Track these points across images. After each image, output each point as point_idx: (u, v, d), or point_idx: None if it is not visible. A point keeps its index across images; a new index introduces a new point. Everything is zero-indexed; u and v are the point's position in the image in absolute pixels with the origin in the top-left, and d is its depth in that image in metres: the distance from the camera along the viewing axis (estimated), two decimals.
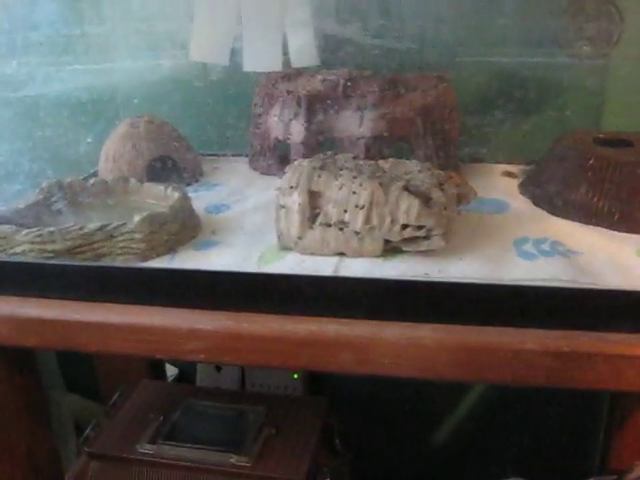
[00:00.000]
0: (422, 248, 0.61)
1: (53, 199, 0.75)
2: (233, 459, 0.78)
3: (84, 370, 1.07)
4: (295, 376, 1.15)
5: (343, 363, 0.56)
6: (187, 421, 0.86)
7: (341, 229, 0.63)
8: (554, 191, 0.73)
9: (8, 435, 0.73)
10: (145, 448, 0.81)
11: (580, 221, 0.70)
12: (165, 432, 0.83)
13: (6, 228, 0.65)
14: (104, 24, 0.99)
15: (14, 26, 0.93)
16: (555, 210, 0.72)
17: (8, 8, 0.94)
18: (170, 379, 1.23)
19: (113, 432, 0.85)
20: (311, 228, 0.64)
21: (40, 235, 0.63)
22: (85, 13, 0.98)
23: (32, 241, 0.63)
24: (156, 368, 1.14)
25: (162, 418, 0.86)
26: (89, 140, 0.90)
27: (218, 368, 1.21)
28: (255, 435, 0.82)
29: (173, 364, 1.26)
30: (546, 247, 0.64)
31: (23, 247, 0.64)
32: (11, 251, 0.64)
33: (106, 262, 0.64)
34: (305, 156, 0.76)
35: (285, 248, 0.65)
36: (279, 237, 0.65)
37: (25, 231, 0.64)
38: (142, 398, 0.93)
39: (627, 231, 0.67)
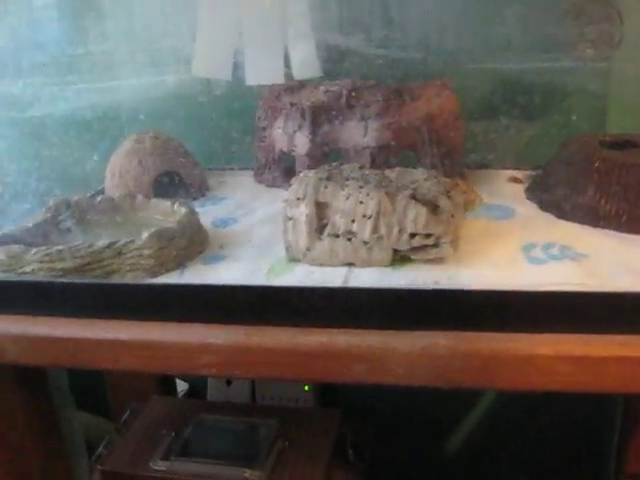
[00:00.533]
0: (431, 256, 0.61)
1: (61, 217, 0.75)
2: (247, 473, 0.78)
3: (93, 387, 1.07)
4: (306, 388, 1.15)
5: (355, 374, 0.56)
6: (199, 436, 0.86)
7: (349, 239, 0.62)
8: (561, 195, 0.73)
9: (22, 454, 0.73)
10: (158, 465, 0.81)
11: (588, 224, 0.69)
12: (178, 448, 0.83)
13: (15, 247, 0.65)
14: (107, 42, 1.00)
15: (19, 46, 0.94)
16: (562, 214, 0.72)
17: (13, 29, 0.95)
18: (180, 394, 1.23)
19: (125, 449, 0.85)
20: (319, 239, 0.63)
21: (49, 254, 0.63)
22: (89, 32, 0.99)
23: (41, 260, 0.63)
24: (166, 384, 1.14)
25: (174, 434, 0.85)
26: (95, 158, 0.90)
27: (228, 382, 1.20)
28: (268, 448, 0.82)
29: (183, 379, 1.26)
30: (555, 251, 0.64)
31: (32, 266, 0.64)
32: (20, 270, 0.65)
33: (116, 279, 0.64)
34: (310, 167, 0.76)
35: (294, 260, 0.65)
36: (287, 249, 0.65)
37: (34, 250, 0.64)
38: (153, 414, 0.93)
39: (635, 233, 0.67)
